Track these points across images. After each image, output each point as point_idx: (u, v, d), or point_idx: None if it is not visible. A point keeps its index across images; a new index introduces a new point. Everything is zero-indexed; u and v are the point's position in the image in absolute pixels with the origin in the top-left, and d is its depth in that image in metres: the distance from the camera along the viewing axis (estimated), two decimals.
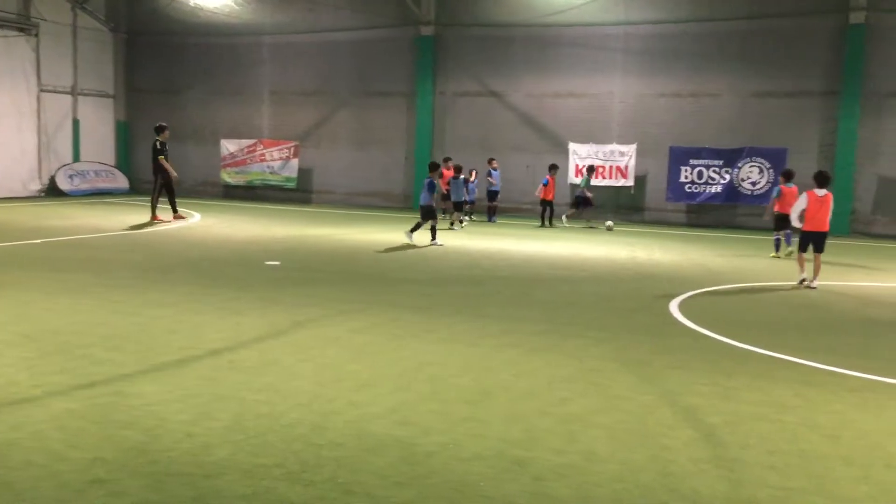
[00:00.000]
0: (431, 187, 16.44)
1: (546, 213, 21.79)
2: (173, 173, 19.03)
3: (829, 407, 6.21)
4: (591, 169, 22.30)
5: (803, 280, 12.44)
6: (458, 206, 20.58)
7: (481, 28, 24.97)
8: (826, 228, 12.48)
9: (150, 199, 19.63)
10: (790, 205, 14.18)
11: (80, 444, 4.94)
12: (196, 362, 6.90)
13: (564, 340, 8.20)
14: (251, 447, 4.97)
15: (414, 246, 16.01)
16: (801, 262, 12.67)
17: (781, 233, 16.14)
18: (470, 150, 25.16)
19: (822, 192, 12.40)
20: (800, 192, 13.24)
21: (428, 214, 16.51)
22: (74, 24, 28.37)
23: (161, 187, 19.17)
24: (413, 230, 16.62)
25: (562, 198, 23.75)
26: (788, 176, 16.34)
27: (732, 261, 15.07)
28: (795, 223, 12.70)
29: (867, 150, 21.22)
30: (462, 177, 20.22)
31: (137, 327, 8.15)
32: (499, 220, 22.60)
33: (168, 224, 18.70)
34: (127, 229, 17.49)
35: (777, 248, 16.29)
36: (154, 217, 19.06)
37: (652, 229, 21.59)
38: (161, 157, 18.86)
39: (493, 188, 22.87)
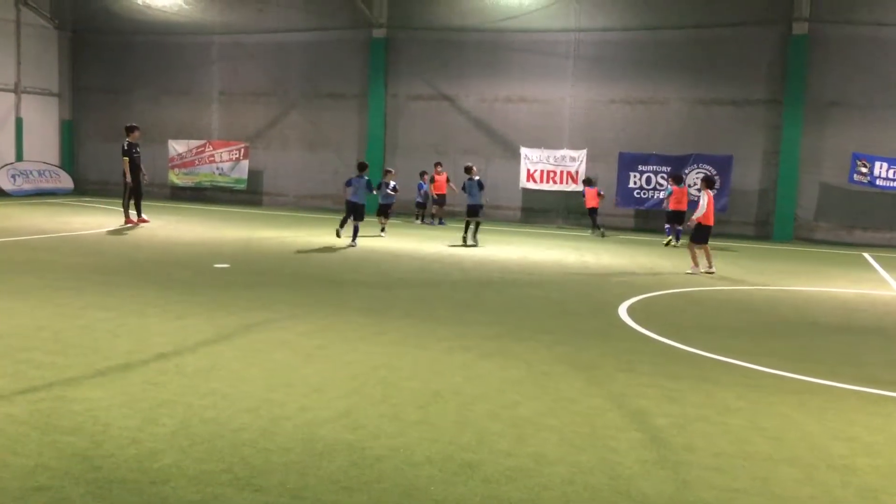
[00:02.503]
0: (370, 186, 16.89)
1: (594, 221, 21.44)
2: (127, 177, 18.52)
3: (773, 409, 6.34)
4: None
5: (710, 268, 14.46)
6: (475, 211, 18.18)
7: (434, 31, 25.01)
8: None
9: (120, 201, 19.22)
10: (680, 202, 19.27)
11: (22, 451, 4.81)
12: (141, 366, 6.77)
13: (515, 344, 8.24)
14: (198, 453, 4.89)
15: (351, 246, 16.43)
16: (708, 253, 14.55)
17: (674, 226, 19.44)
18: (422, 153, 25.18)
19: (711, 192, 14.98)
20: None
21: (361, 213, 16.96)
22: (18, 20, 27.70)
23: (130, 189, 18.67)
24: (351, 232, 16.82)
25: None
26: (678, 179, 19.81)
27: (680, 265, 15.31)
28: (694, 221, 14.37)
29: (810, 157, 21.76)
30: (476, 177, 18.94)
31: (81, 330, 7.97)
32: (448, 224, 22.63)
33: (143, 225, 18.52)
34: (87, 231, 17.12)
35: (673, 236, 19.37)
36: (127, 220, 18.66)
37: (615, 235, 21.82)
38: (125, 159, 18.42)
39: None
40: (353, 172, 17.51)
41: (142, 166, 18.86)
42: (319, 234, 18.52)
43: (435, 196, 22.82)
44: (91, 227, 17.91)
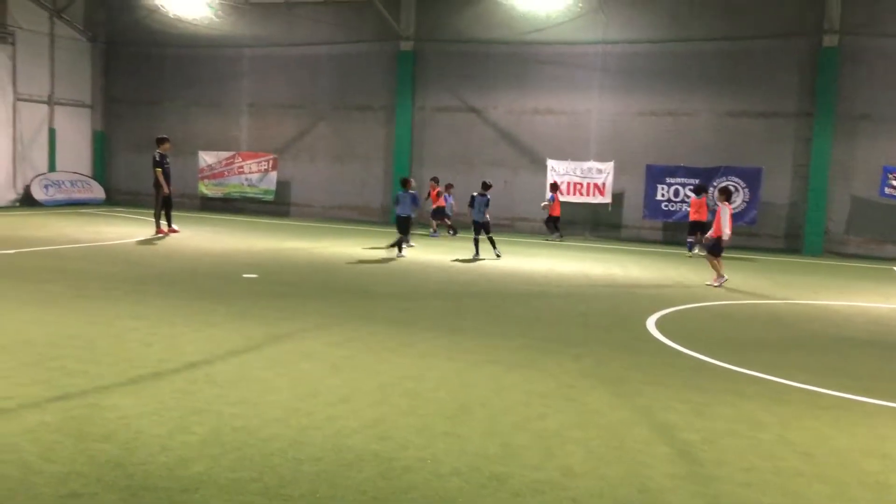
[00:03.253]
0: (415, 200, 17.14)
1: (695, 238, 20.04)
2: (164, 189, 18.68)
3: (803, 424, 6.28)
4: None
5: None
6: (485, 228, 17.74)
7: (461, 44, 25.11)
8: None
9: (152, 212, 19.43)
10: (699, 213, 19.53)
11: (55, 458, 4.89)
12: (172, 375, 6.85)
13: (541, 356, 8.24)
14: (228, 461, 4.94)
15: (396, 258, 16.50)
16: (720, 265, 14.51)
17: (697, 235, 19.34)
18: (448, 165, 25.25)
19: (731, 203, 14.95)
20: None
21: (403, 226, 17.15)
22: (52, 33, 28.18)
23: (162, 200, 18.84)
24: (396, 245, 17.06)
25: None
26: (699, 190, 20.05)
27: (708, 279, 15.20)
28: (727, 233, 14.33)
29: (840, 170, 21.54)
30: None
31: (113, 339, 8.08)
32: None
33: (173, 235, 18.70)
34: (125, 241, 17.35)
35: (691, 249, 19.82)
36: (158, 230, 18.86)
37: (628, 246, 21.74)
38: (157, 170, 18.59)
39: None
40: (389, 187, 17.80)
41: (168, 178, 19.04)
42: (346, 245, 18.62)
43: (433, 209, 22.81)
44: (122, 237, 18.14)
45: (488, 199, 17.31)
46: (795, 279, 16.16)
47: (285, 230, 22.19)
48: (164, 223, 18.99)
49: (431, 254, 17.65)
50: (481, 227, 17.24)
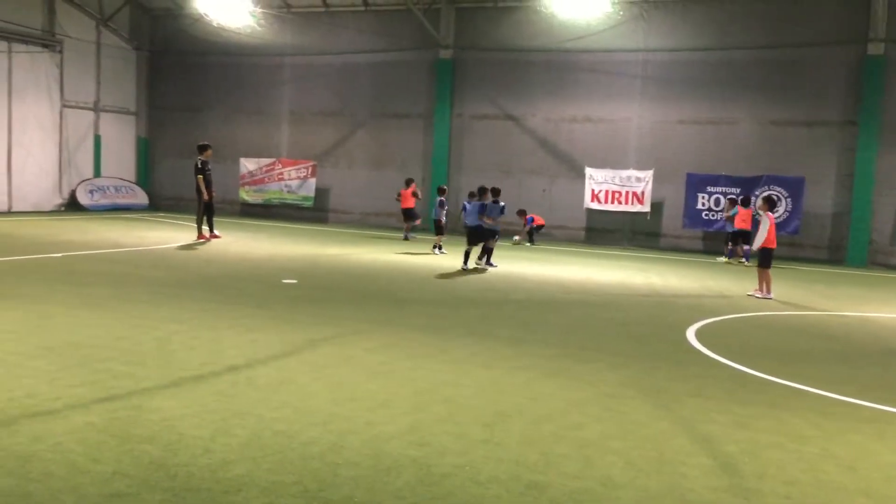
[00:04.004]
0: (483, 210, 16.27)
1: (734, 246, 20.58)
2: (205, 195, 18.92)
3: (847, 438, 6.18)
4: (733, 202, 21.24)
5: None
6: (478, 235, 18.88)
7: (500, 52, 25.15)
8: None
9: (194, 217, 19.67)
10: (745, 221, 19.85)
11: (100, 458, 4.98)
12: (214, 378, 6.95)
13: (579, 365, 8.20)
14: (269, 464, 5.00)
15: (473, 270, 15.99)
16: (768, 278, 14.17)
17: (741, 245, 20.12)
18: (486, 172, 25.28)
19: (772, 213, 14.64)
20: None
21: (477, 236, 16.37)
22: (98, 42, 28.80)
23: (204, 205, 19.06)
24: (468, 259, 16.29)
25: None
26: (746, 202, 20.47)
27: (749, 289, 15.02)
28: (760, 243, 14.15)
29: (885, 180, 21.17)
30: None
31: (156, 342, 8.22)
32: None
33: (215, 241, 18.89)
34: (171, 246, 17.65)
35: (731, 256, 20.42)
36: (200, 235, 19.11)
37: (668, 255, 21.56)
38: (199, 177, 18.80)
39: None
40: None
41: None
42: (383, 252, 18.71)
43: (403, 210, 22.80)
44: (165, 242, 18.43)
45: (484, 205, 16.34)
46: (839, 290, 15.89)
47: (323, 236, 22.37)
48: (205, 229, 19.23)
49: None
50: (473, 234, 16.31)
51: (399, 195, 22.80)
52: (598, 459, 5.41)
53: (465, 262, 16.14)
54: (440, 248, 19.24)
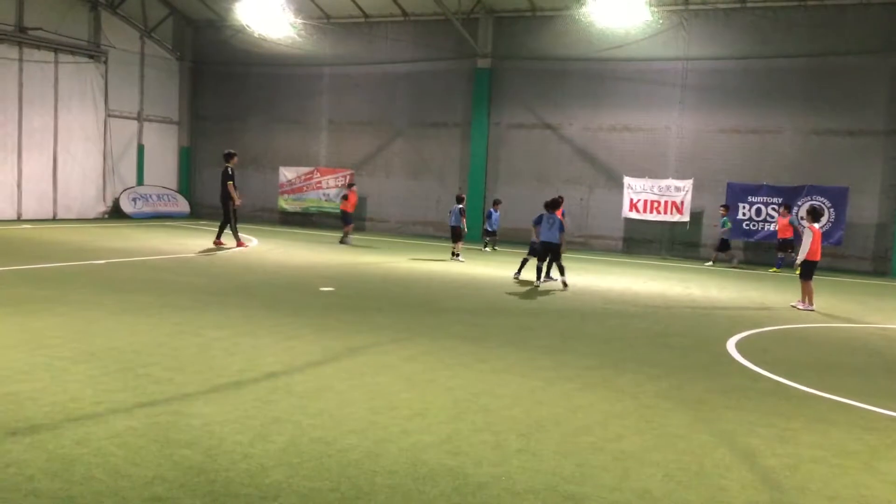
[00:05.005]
0: (553, 222, 15.25)
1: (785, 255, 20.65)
2: (237, 200, 19.12)
3: (892, 453, 6.05)
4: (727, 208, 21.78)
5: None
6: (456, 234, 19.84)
7: (538, 61, 25.13)
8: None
9: (217, 224, 19.72)
10: (787, 230, 20.39)
11: (141, 462, 5.05)
12: (253, 385, 7.01)
13: (618, 376, 8.13)
14: (307, 471, 5.03)
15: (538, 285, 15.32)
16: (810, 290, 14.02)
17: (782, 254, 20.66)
18: (524, 181, 25.27)
19: (817, 225, 14.10)
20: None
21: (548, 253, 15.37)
22: (142, 53, 29.33)
23: (234, 213, 19.17)
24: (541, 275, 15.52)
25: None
26: (788, 209, 20.80)
27: (791, 300, 14.79)
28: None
29: None
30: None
31: (197, 348, 8.32)
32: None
33: (229, 250, 18.97)
34: (198, 252, 17.88)
35: (779, 265, 20.69)
36: (239, 243, 19.23)
37: (708, 266, 21.30)
38: (230, 183, 18.96)
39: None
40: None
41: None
42: (421, 261, 18.75)
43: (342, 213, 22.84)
44: (206, 250, 18.64)
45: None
46: (883, 303, 15.58)
47: (361, 244, 22.48)
48: (241, 236, 19.32)
49: (507, 270, 17.61)
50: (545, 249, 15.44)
51: (346, 197, 22.73)
52: (636, 472, 5.35)
53: (538, 276, 15.47)
54: (458, 254, 19.41)
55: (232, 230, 19.40)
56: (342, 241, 22.35)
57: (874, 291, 17.54)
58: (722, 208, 21.61)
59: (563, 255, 15.54)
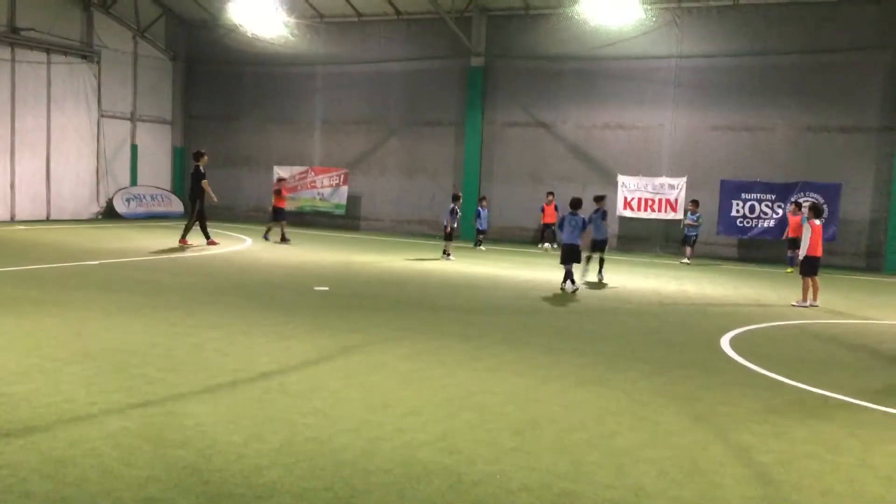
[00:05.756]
0: (584, 225, 14.52)
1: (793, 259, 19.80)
2: (214, 198, 19.13)
3: (885, 448, 6.07)
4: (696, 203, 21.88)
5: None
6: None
7: (531, 59, 25.12)
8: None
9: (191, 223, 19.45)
10: (797, 230, 18.72)
11: (135, 463, 5.04)
12: (247, 384, 7.00)
13: (612, 373, 8.14)
14: (301, 470, 5.03)
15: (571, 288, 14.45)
16: (815, 286, 14.01)
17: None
18: (518, 180, 25.27)
19: (818, 221, 14.12)
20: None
21: (573, 256, 14.43)
22: (135, 52, 29.23)
23: (200, 212, 19.09)
24: (568, 280, 14.36)
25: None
26: (800, 206, 19.37)
27: (785, 297, 14.83)
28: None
29: None
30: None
31: (191, 348, 8.31)
32: (550, 251, 22.57)
33: (204, 249, 18.76)
34: (159, 252, 17.85)
35: (791, 263, 19.59)
36: (210, 241, 19.23)
37: (702, 263, 21.34)
38: (204, 182, 18.97)
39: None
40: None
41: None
42: (415, 260, 18.75)
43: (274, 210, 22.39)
44: (199, 250, 18.62)
45: (453, 209, 19.25)
46: (877, 298, 15.63)
47: (355, 244, 22.47)
48: (190, 235, 19.14)
49: (500, 269, 17.63)
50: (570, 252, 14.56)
51: (279, 192, 22.37)
52: (630, 468, 5.36)
53: (570, 280, 14.42)
54: (449, 254, 19.38)
55: (201, 228, 19.22)
56: (282, 240, 21.52)
57: (868, 287, 17.59)
58: (691, 204, 21.81)
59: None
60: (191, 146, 31.05)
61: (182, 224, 20.87)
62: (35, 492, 4.54)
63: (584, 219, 14.63)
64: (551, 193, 23.63)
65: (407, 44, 26.83)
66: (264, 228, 22.85)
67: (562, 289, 14.47)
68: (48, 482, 4.67)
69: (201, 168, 19.17)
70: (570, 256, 14.40)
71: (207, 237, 19.39)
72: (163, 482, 4.75)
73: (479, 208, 22.98)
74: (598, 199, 16.67)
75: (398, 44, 26.95)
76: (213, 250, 18.57)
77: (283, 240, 21.52)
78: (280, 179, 23.39)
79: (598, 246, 16.05)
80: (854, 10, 21.44)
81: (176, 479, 4.80)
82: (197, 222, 19.21)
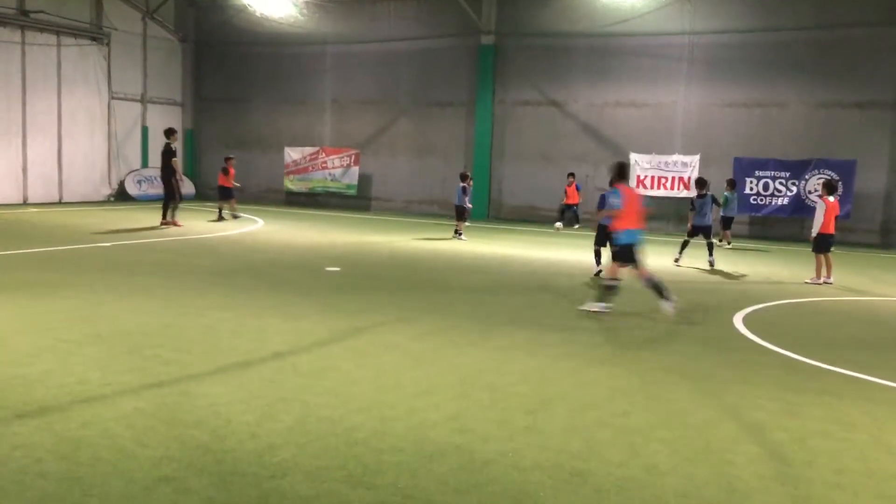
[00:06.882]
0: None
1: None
2: (181, 178, 19.08)
3: None
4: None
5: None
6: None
7: (542, 37, 24.94)
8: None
9: (216, 205, 19.51)
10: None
11: (149, 443, 5.07)
12: (260, 365, 7.03)
13: (624, 352, 8.12)
14: (314, 449, 5.04)
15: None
16: (829, 263, 13.84)
17: None
18: (529, 159, 25.16)
19: (832, 198, 13.93)
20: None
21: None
22: (145, 34, 29.19)
23: (175, 191, 19.01)
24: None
25: None
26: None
27: (798, 274, 14.74)
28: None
29: None
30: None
31: (203, 329, 8.34)
32: (564, 231, 22.40)
33: (172, 228, 18.69)
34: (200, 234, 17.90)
35: None
36: (170, 221, 19.09)
37: (715, 241, 21.19)
38: (175, 160, 18.86)
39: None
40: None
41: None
42: (426, 240, 18.73)
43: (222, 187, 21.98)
44: (211, 231, 18.67)
45: (463, 188, 18.88)
46: (891, 275, 15.53)
47: (366, 224, 22.46)
48: (171, 214, 19.16)
49: (511, 248, 17.59)
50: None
51: (225, 171, 21.83)
52: (642, 447, 5.36)
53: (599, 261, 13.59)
54: (461, 233, 19.27)
55: (172, 207, 19.14)
56: (232, 216, 21.36)
57: (882, 264, 17.47)
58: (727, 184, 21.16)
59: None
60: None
61: (193, 206, 20.87)
62: (50, 472, 4.57)
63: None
64: (572, 174, 23.41)
65: (417, 22, 26.67)
66: (226, 212, 22.09)
67: (596, 274, 13.40)
68: (63, 462, 4.71)
69: (172, 146, 18.99)
70: (604, 238, 12.96)
71: (164, 216, 19.17)
72: (176, 462, 4.78)
73: (465, 185, 21.80)
74: (700, 183, 15.90)
75: (408, 22, 26.80)
76: (209, 232, 18.59)
77: (220, 218, 21.34)
78: (228, 158, 22.57)
79: (704, 231, 15.62)
80: None
81: (189, 459, 4.82)
82: (172, 200, 19.07)
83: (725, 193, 19.91)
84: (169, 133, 19.30)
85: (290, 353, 7.46)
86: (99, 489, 4.38)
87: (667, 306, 9.95)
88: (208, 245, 16.12)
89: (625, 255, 10.22)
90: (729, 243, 19.58)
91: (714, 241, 18.91)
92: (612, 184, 10.76)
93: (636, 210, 10.28)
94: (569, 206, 23.37)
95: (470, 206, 20.25)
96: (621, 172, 10.67)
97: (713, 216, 15.94)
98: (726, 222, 19.96)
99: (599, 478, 4.80)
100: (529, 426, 5.69)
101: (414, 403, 6.08)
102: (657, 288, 10.07)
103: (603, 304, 10.20)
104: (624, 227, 10.22)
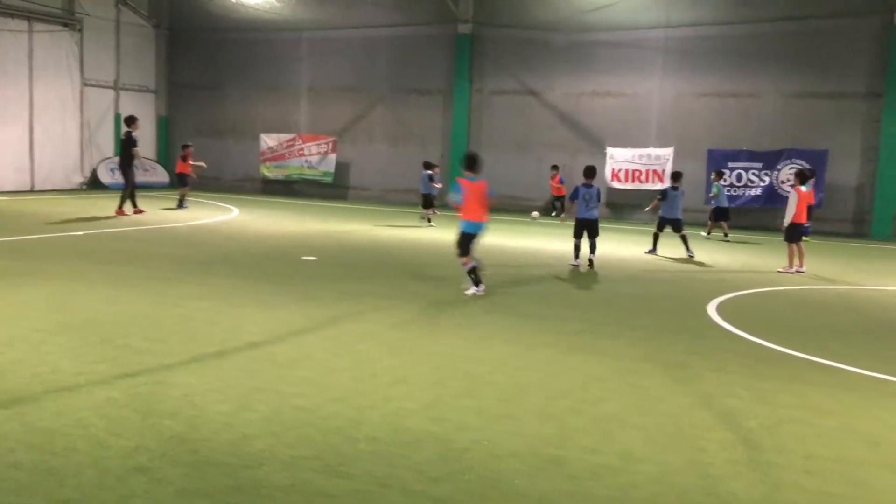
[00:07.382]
0: (599, 197, 13.47)
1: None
2: (141, 166, 18.99)
3: (870, 413, 6.13)
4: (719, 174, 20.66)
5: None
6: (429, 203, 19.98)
7: (519, 27, 24.92)
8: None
9: (176, 193, 19.06)
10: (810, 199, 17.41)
11: (122, 432, 5.03)
12: (235, 354, 7.00)
13: (600, 340, 8.18)
14: (289, 439, 5.03)
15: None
16: (801, 252, 14.00)
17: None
18: (506, 148, 25.17)
19: (804, 188, 14.11)
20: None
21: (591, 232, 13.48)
22: (117, 20, 28.82)
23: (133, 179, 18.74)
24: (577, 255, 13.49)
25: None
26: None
27: (771, 264, 14.90)
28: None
29: None
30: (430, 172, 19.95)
31: (178, 318, 8.28)
32: (540, 220, 22.40)
33: (131, 216, 18.51)
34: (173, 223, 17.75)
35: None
36: (132, 209, 18.85)
37: (690, 231, 21.33)
38: (135, 150, 18.55)
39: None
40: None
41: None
42: (404, 228, 18.72)
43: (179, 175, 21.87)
44: (186, 220, 18.53)
45: (430, 175, 19.61)
46: (863, 264, 15.73)
47: (343, 213, 22.40)
48: (125, 205, 18.93)
49: (488, 237, 17.58)
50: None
51: (185, 158, 21.49)
52: (617, 434, 5.40)
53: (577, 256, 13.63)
54: (429, 220, 19.58)
55: (130, 196, 18.86)
56: (178, 205, 21.20)
57: (855, 253, 17.70)
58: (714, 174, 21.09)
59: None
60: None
61: (167, 194, 20.67)
62: (23, 462, 4.53)
63: (598, 189, 13.61)
64: (555, 167, 23.55)
65: (393, 9, 26.54)
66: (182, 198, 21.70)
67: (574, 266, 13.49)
68: (35, 452, 4.66)
69: (133, 134, 18.67)
70: (583, 232, 13.45)
71: (122, 205, 18.91)
72: (150, 452, 4.75)
73: (431, 173, 20.61)
74: (676, 176, 16.11)
75: (385, 9, 26.65)
76: (182, 221, 18.46)
77: (181, 205, 21.11)
78: (185, 146, 22.12)
79: (674, 224, 15.71)
80: None
81: (164, 449, 4.80)
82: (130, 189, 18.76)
83: (715, 184, 19.96)
84: (129, 121, 18.90)
85: (265, 343, 7.43)
86: (72, 479, 4.34)
87: (472, 289, 10.46)
88: (183, 234, 16.00)
89: (462, 242, 10.63)
90: (726, 235, 19.57)
91: (702, 233, 18.95)
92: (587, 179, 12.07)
93: (477, 202, 10.71)
94: (557, 198, 23.50)
95: (440, 185, 20.31)
96: (468, 164, 10.94)
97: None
98: (722, 214, 19.74)
99: (574, 464, 4.84)
100: (505, 414, 5.71)
101: (390, 392, 6.08)
102: (474, 275, 10.55)
103: (476, 288, 10.51)
104: (465, 217, 10.67)
